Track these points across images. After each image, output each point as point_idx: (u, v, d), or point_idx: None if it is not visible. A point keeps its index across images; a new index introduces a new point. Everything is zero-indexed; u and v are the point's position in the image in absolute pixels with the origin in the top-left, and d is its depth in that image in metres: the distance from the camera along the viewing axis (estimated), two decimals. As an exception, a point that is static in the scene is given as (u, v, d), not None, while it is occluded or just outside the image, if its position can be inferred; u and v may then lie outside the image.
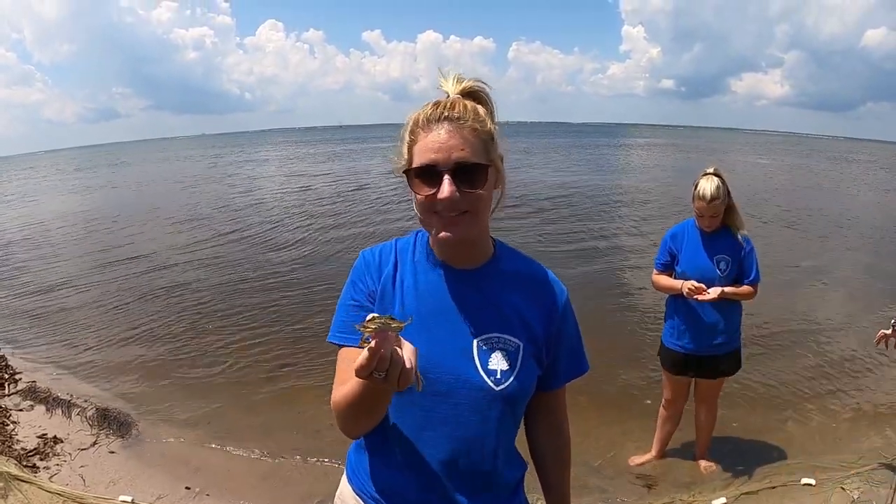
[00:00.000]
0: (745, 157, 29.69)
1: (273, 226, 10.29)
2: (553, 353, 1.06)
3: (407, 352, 0.78)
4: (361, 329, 0.76)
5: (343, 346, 1.02)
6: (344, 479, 1.14)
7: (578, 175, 18.52)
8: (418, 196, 0.94)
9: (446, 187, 0.90)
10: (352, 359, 0.98)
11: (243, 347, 4.84)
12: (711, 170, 2.56)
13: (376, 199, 12.87)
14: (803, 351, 4.71)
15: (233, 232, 9.87)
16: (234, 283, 6.86)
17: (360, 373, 0.76)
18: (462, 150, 0.91)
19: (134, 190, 19.16)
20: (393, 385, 0.77)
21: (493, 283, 1.03)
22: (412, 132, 0.96)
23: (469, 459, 1.00)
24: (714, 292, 2.54)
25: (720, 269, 2.59)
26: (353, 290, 1.04)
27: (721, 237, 2.62)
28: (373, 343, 0.74)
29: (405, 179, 0.97)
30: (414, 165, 0.94)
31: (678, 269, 2.69)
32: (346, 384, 0.91)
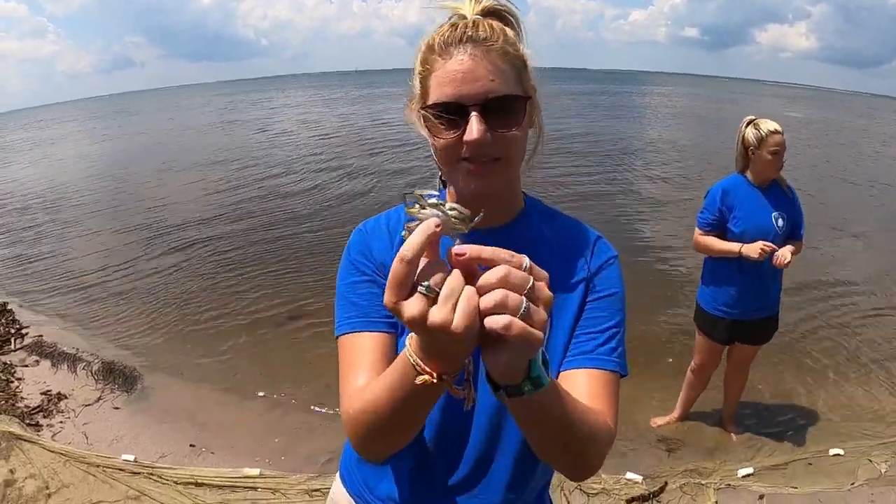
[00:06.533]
0: (774, 109, 28.41)
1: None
2: (590, 326, 0.83)
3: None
4: (410, 212, 0.55)
5: (348, 332, 0.79)
6: (337, 478, 0.97)
7: (599, 122, 17.76)
8: (437, 140, 0.73)
9: (475, 127, 0.69)
10: (360, 345, 0.76)
11: (254, 299, 4.71)
12: (752, 116, 2.40)
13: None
14: (834, 310, 4.49)
15: (256, 180, 9.53)
16: (247, 232, 6.67)
17: (397, 274, 0.51)
18: (492, 80, 0.70)
19: (173, 137, 18.51)
20: (446, 315, 0.50)
21: (522, 244, 0.79)
22: (425, 60, 0.74)
23: (488, 464, 0.82)
24: (787, 254, 2.32)
25: (778, 227, 2.38)
26: (353, 268, 0.83)
27: (774, 192, 2.43)
28: (431, 222, 0.52)
29: (419, 122, 0.75)
30: (430, 102, 0.73)
31: (734, 228, 2.42)
32: (376, 383, 0.67)
